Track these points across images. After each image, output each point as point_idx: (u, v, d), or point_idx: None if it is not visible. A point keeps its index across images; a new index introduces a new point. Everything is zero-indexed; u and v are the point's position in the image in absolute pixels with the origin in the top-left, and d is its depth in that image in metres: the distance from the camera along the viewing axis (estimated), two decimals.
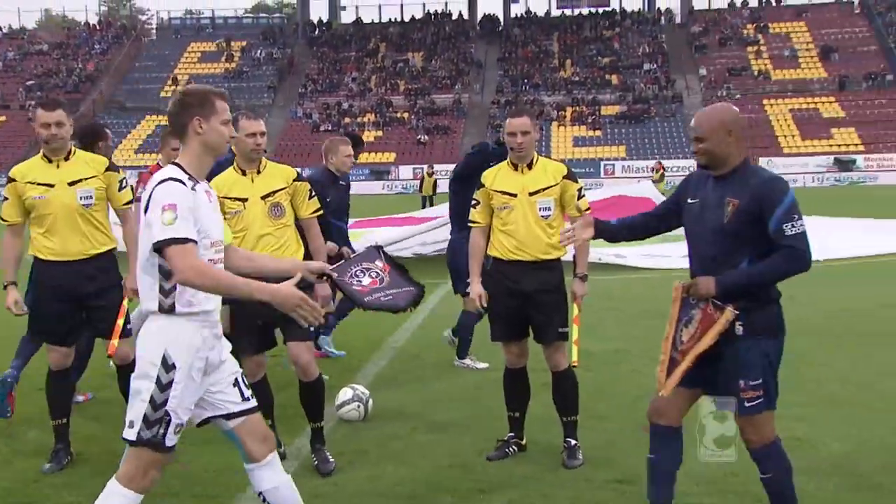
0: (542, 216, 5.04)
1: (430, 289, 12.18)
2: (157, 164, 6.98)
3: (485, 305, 5.18)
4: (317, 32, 72.39)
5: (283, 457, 4.90)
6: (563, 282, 5.14)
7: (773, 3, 67.69)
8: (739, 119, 3.80)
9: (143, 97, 65.10)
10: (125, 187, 5.36)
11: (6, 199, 5.07)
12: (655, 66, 63.31)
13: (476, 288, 5.17)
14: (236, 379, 3.54)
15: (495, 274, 5.17)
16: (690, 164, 54.16)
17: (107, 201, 5.22)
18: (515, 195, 5.07)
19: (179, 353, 3.33)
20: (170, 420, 3.33)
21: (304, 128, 59.27)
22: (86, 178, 5.10)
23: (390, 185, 51.86)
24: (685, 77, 61.59)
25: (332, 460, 4.95)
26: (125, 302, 5.47)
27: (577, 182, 5.17)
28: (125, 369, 5.26)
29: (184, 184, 3.33)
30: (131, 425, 3.34)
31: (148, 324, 3.43)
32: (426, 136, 57.17)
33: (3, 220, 5.09)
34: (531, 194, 5.05)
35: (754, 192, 3.65)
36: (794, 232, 3.57)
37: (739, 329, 3.66)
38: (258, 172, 5.06)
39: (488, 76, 64.48)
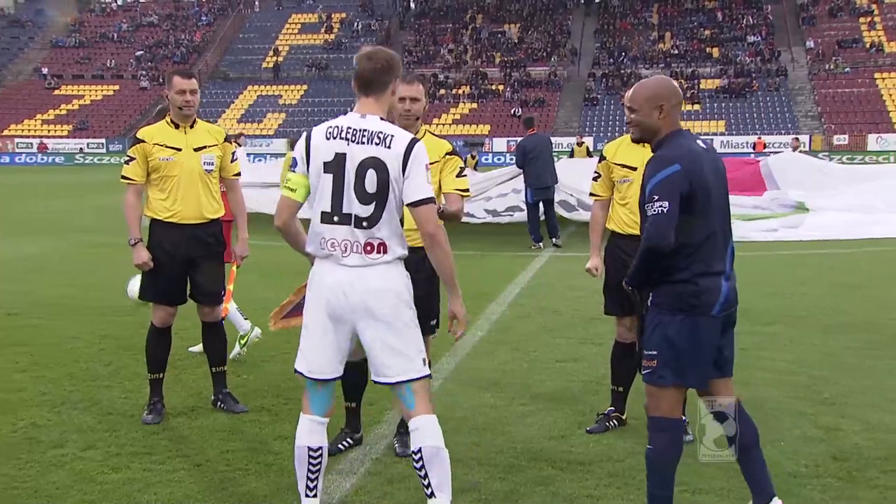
0: None
1: (520, 261, 12.29)
2: None
3: (597, 277, 5.21)
4: (413, 4, 72.51)
5: (358, 442, 4.94)
6: None
7: None
8: (673, 93, 3.76)
9: (246, 67, 66.66)
10: (236, 159, 5.60)
11: (132, 159, 5.31)
12: (759, 38, 61.19)
13: (593, 261, 5.20)
14: None
15: (612, 247, 5.17)
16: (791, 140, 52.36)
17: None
18: (636, 168, 5.00)
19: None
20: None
21: None
22: (209, 146, 5.40)
23: (485, 158, 51.75)
24: (791, 50, 59.36)
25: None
26: (234, 268, 5.68)
27: None
28: (217, 327, 5.56)
29: None
30: (424, 362, 3.72)
31: (392, 269, 3.65)
32: (521, 109, 56.80)
33: (129, 179, 5.32)
34: None
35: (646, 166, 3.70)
36: (650, 213, 3.57)
37: (648, 299, 3.73)
38: None
39: (585, 48, 63.51)
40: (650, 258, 3.61)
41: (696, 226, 3.60)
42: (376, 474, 4.53)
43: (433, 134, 4.86)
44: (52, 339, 7.50)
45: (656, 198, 3.54)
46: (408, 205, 3.59)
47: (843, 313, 8.52)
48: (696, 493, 4.22)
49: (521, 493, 4.28)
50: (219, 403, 5.57)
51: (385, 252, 3.61)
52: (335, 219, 3.60)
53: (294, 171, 3.69)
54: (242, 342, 6.84)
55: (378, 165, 3.55)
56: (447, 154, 4.76)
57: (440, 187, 4.73)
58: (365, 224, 3.57)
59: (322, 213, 3.63)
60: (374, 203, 3.56)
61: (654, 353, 3.67)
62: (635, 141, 3.95)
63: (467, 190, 4.76)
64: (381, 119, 3.65)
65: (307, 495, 3.75)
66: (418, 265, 4.68)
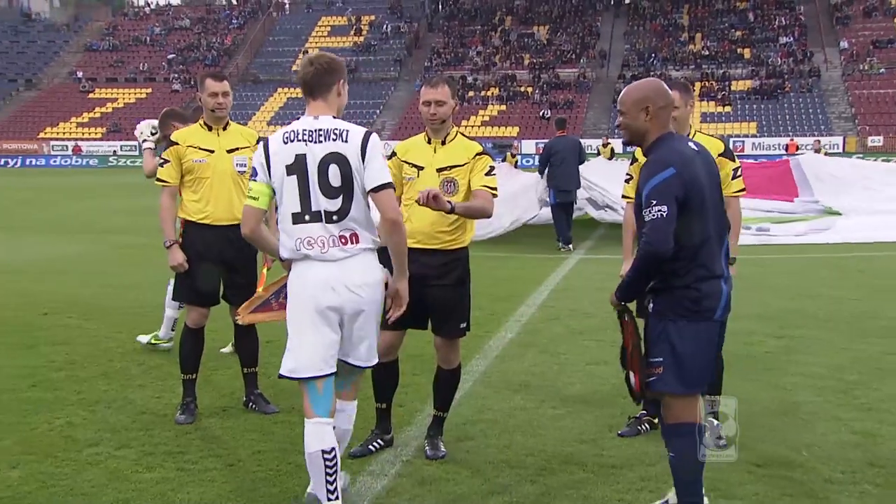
0: None
1: (549, 263, 12.26)
2: None
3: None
4: (442, 6, 72.59)
5: (389, 444, 4.90)
6: None
7: None
8: (661, 95, 3.73)
9: (276, 70, 67.08)
10: None
11: (166, 161, 5.38)
12: (792, 38, 60.52)
13: (627, 265, 5.14)
14: None
15: None
16: (827, 141, 51.71)
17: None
18: None
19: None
20: None
21: None
22: (241, 148, 5.44)
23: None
24: (824, 50, 58.63)
25: (444, 450, 4.81)
26: (265, 270, 5.72)
27: (733, 161, 5.07)
28: (250, 328, 5.54)
29: None
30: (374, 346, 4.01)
31: (371, 259, 3.89)
32: (550, 111, 56.61)
33: (163, 181, 5.40)
34: None
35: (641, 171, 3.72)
36: (648, 218, 3.56)
37: (650, 306, 3.72)
38: (442, 143, 4.77)
39: (614, 50, 63.18)
40: (650, 262, 3.60)
41: (694, 229, 3.59)
42: (407, 476, 4.53)
43: (465, 136, 4.87)
44: (87, 339, 7.60)
45: (654, 202, 3.54)
46: (369, 191, 3.78)
47: (872, 317, 8.38)
48: (729, 499, 4.18)
49: (552, 496, 4.26)
50: (250, 404, 5.61)
51: (358, 241, 3.82)
52: (306, 217, 3.78)
53: (255, 180, 3.88)
54: (154, 340, 7.13)
55: (339, 160, 3.75)
56: (477, 155, 4.76)
57: (469, 186, 4.73)
58: (335, 217, 3.77)
59: (292, 214, 3.80)
60: (340, 196, 3.77)
61: (660, 360, 3.67)
62: (625, 144, 4.00)
63: (496, 188, 4.75)
64: (334, 118, 3.84)
65: (330, 499, 3.75)
66: (443, 270, 4.69)
